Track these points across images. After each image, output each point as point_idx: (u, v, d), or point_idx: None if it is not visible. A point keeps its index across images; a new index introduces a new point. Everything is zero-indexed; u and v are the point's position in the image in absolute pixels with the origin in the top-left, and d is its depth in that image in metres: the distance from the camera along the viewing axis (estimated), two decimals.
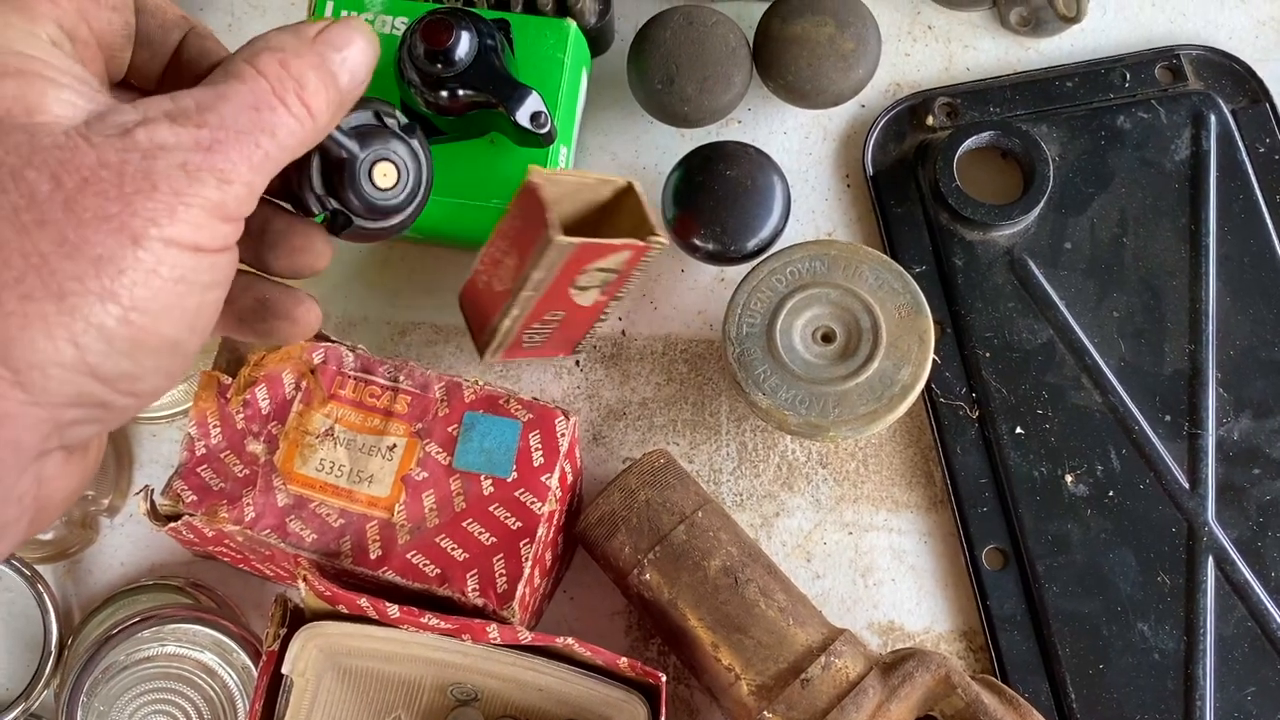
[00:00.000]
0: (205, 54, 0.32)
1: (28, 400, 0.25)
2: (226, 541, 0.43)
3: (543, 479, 0.43)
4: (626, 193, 0.42)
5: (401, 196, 0.33)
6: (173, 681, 0.45)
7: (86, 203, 0.25)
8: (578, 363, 0.51)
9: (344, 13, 0.48)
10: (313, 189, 0.32)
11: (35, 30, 0.27)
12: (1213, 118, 0.51)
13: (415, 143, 0.33)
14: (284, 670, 0.40)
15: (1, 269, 0.24)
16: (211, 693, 0.45)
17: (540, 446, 0.44)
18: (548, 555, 0.44)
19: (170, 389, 0.29)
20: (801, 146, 0.53)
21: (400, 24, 0.48)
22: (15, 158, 0.25)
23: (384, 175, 0.32)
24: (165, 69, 0.32)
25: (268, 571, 0.47)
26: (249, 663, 0.45)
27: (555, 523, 0.44)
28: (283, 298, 0.34)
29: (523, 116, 0.43)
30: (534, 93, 0.44)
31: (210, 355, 0.44)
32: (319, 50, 0.29)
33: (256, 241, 0.33)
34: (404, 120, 0.34)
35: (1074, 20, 0.52)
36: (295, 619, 0.42)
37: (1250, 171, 0.51)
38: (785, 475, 0.49)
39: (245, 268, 0.33)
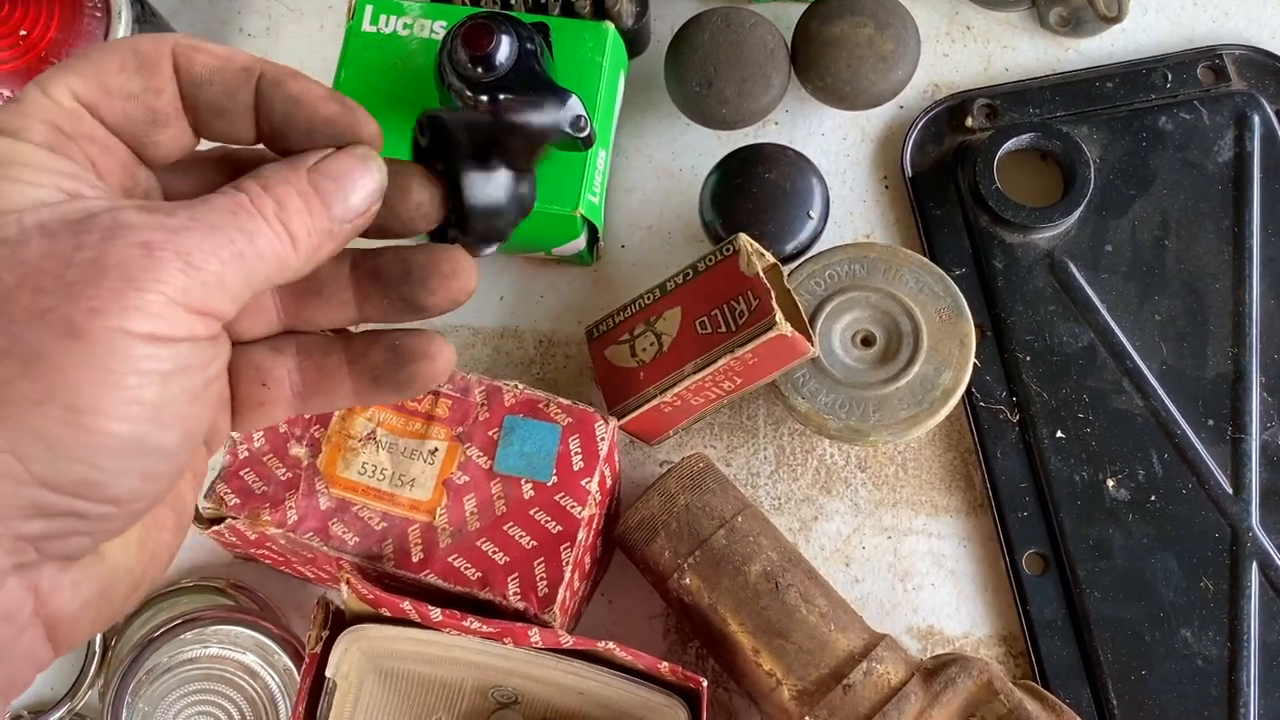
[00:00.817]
0: (295, 99, 0.29)
1: None
2: (269, 544, 0.44)
3: (583, 483, 0.43)
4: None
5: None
6: (215, 683, 0.45)
7: (22, 299, 0.23)
8: (632, 441, 0.51)
9: (385, 20, 0.48)
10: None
11: (17, 131, 0.26)
12: (1256, 118, 0.51)
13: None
14: (328, 673, 0.40)
15: None
16: (253, 694, 0.45)
17: (580, 450, 0.44)
18: (587, 559, 0.44)
19: (159, 490, 0.26)
20: (839, 148, 0.53)
21: (439, 27, 0.48)
22: None
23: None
24: (267, 130, 0.30)
25: (309, 574, 0.47)
26: (290, 664, 0.45)
27: (595, 526, 0.44)
28: (415, 340, 0.31)
29: (564, 121, 0.43)
30: (574, 96, 0.43)
31: None
32: (311, 178, 0.28)
33: (402, 284, 0.31)
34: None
35: (1115, 20, 0.52)
36: (337, 621, 0.42)
37: None
38: (823, 479, 0.49)
39: (369, 326, 0.32)
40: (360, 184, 0.28)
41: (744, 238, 0.44)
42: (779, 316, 0.42)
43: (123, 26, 0.46)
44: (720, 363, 0.43)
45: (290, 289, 0.31)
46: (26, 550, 0.24)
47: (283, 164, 0.28)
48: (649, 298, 0.46)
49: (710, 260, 0.45)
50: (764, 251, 0.44)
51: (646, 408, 0.45)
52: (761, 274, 0.43)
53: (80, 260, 0.24)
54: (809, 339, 0.44)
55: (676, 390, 0.44)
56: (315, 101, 0.29)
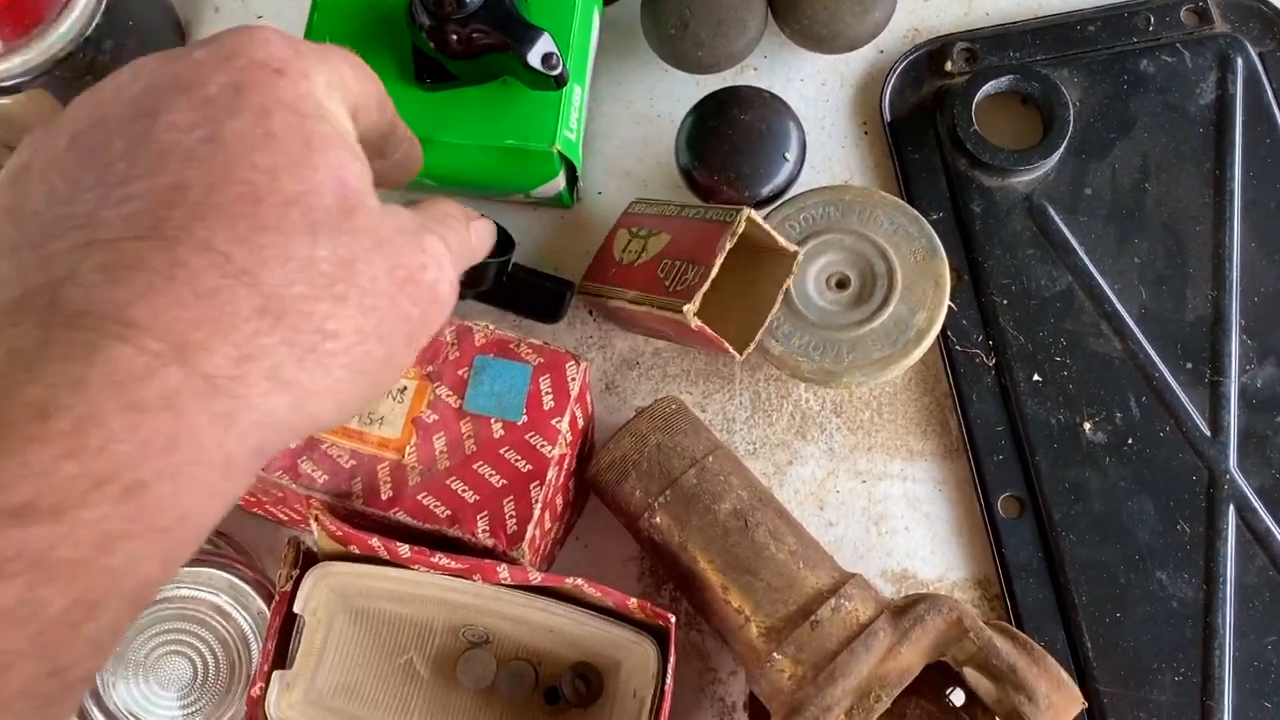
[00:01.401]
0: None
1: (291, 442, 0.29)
2: None
3: (553, 422, 0.43)
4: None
5: None
6: (187, 623, 0.45)
7: (402, 302, 0.30)
8: (590, 311, 0.51)
9: None
10: None
11: (341, 105, 0.30)
12: (1239, 61, 0.50)
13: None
14: (296, 608, 0.40)
15: (339, 336, 0.28)
16: (225, 634, 0.45)
17: (551, 390, 0.43)
18: (558, 499, 0.44)
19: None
20: (818, 93, 0.53)
21: None
22: (370, 242, 0.29)
23: None
24: None
25: (280, 515, 0.47)
26: (264, 607, 0.45)
27: (566, 467, 0.44)
28: None
29: (534, 58, 0.43)
30: (545, 34, 0.43)
31: None
32: (473, 220, 0.36)
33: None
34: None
35: None
36: (308, 561, 0.42)
37: (1277, 115, 0.49)
38: (799, 424, 0.49)
39: None
40: (486, 241, 0.37)
41: (749, 216, 0.42)
42: (689, 306, 0.41)
43: None
44: (643, 308, 0.44)
45: None
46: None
47: (456, 203, 0.35)
48: (671, 210, 0.47)
49: (712, 215, 0.44)
50: (773, 236, 0.43)
51: (599, 298, 0.47)
52: (718, 258, 0.41)
53: (425, 281, 0.30)
54: (742, 343, 0.43)
55: (618, 302, 0.45)
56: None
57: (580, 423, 0.45)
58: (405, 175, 0.37)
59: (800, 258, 0.44)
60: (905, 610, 0.41)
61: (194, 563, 0.45)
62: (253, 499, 0.46)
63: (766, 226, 0.42)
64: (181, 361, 0.25)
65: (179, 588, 0.45)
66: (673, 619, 0.40)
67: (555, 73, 0.44)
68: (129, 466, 0.24)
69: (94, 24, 0.47)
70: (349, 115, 0.31)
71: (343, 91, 0.30)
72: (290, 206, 0.27)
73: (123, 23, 0.48)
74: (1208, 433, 0.46)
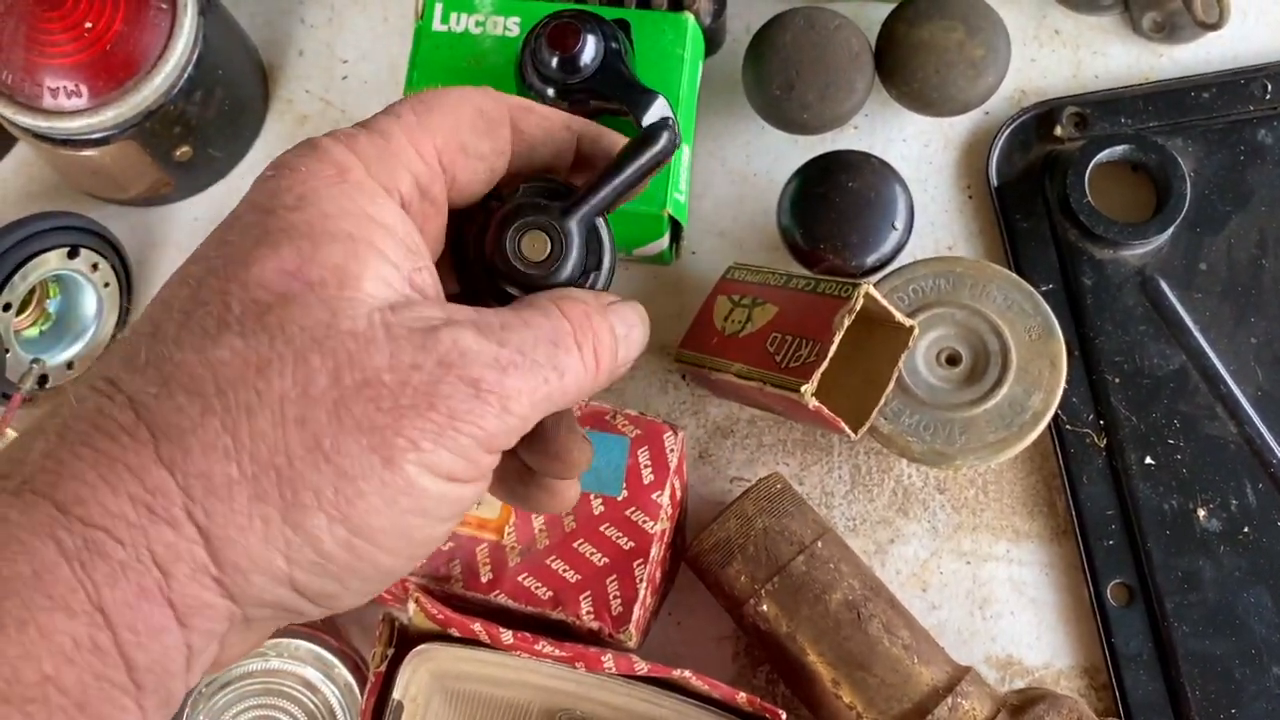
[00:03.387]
0: (608, 151, 0.30)
1: (228, 598, 0.24)
2: None
3: (654, 496, 0.41)
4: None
5: (561, 274, 0.28)
6: (274, 696, 0.44)
7: (356, 408, 0.24)
8: (683, 376, 0.49)
9: (456, 18, 0.46)
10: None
11: (390, 186, 0.26)
12: None
13: (596, 224, 0.29)
14: (395, 695, 0.39)
15: (244, 460, 0.23)
16: (313, 708, 0.44)
17: (650, 463, 0.42)
18: (659, 574, 0.43)
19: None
20: (921, 155, 0.51)
21: (513, 24, 0.46)
22: (306, 339, 0.24)
23: (532, 246, 0.28)
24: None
25: None
26: (350, 679, 0.44)
27: (666, 541, 0.43)
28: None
29: (650, 121, 0.42)
30: (660, 97, 0.42)
31: None
32: (611, 318, 0.28)
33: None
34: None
35: (1214, 27, 0.50)
36: (401, 639, 0.41)
37: None
38: (901, 501, 0.47)
39: None
40: (639, 340, 0.29)
41: (868, 291, 0.40)
42: (807, 387, 0.39)
43: (188, 20, 0.45)
44: (753, 383, 0.42)
45: None
46: (238, 626, 0.24)
47: (589, 294, 0.28)
48: (776, 279, 0.45)
49: (825, 289, 0.42)
50: (890, 311, 0.40)
51: (699, 368, 0.45)
52: (836, 335, 0.40)
53: (415, 383, 0.24)
54: (857, 422, 0.41)
55: (725, 375, 0.43)
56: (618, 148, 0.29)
57: (679, 494, 0.44)
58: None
59: (916, 332, 0.42)
60: (1023, 709, 0.40)
61: (279, 633, 0.44)
62: None
63: (885, 302, 0.41)
64: (20, 490, 0.22)
65: (266, 660, 0.44)
66: (783, 716, 0.39)
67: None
68: None
69: (186, 76, 0.46)
70: (406, 184, 0.26)
71: (391, 176, 0.26)
72: (197, 309, 0.24)
73: (212, 71, 0.47)
74: None
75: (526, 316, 0.26)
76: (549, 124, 0.29)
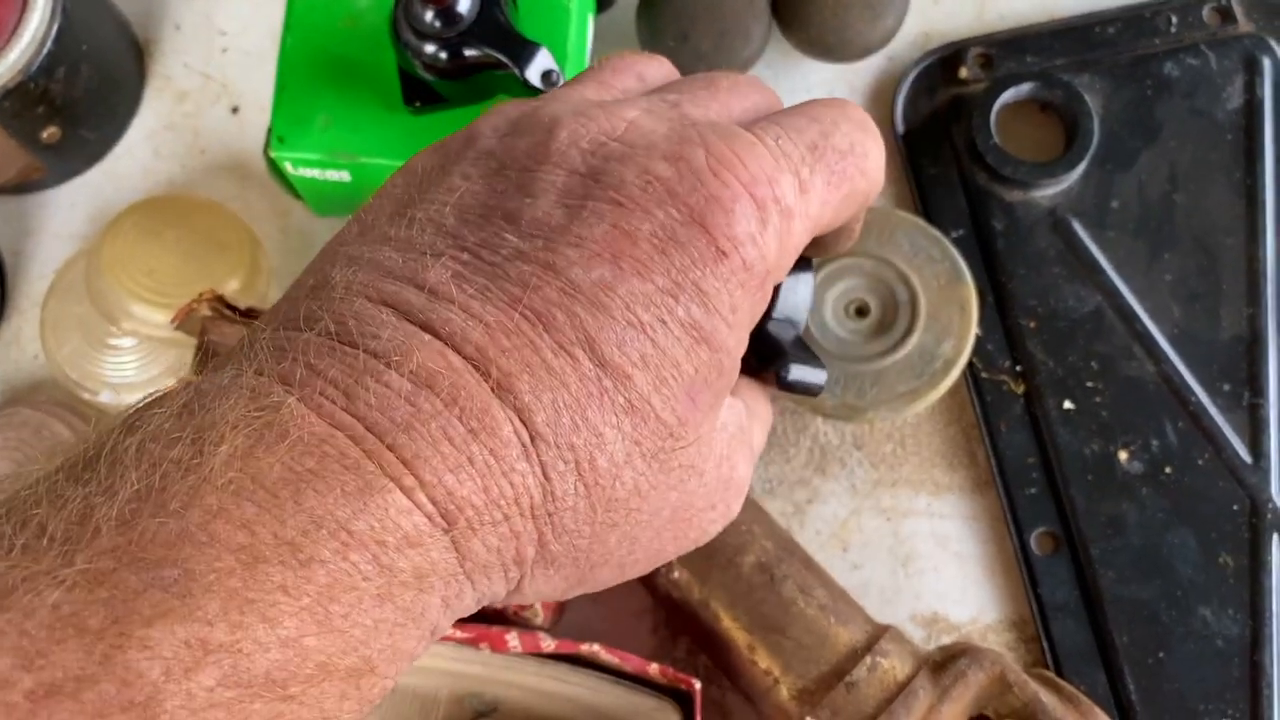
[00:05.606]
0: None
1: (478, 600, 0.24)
2: None
3: None
4: None
5: None
6: None
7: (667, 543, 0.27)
8: None
9: None
10: None
11: None
12: (1266, 62, 0.48)
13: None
14: None
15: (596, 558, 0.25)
16: None
17: None
18: None
19: None
20: None
21: None
22: (678, 480, 0.25)
23: None
24: None
25: None
26: None
27: None
28: None
29: (534, 76, 0.40)
30: (543, 49, 0.40)
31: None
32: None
33: None
34: None
35: None
36: None
37: None
38: (818, 460, 0.46)
39: None
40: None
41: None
42: None
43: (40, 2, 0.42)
44: None
45: None
46: None
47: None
48: None
49: None
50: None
51: None
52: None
53: (707, 518, 0.27)
54: None
55: None
56: None
57: None
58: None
59: None
60: (945, 665, 0.39)
61: None
62: None
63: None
64: (446, 530, 0.21)
65: None
66: (697, 684, 0.38)
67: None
68: (362, 644, 0.20)
69: (45, 52, 0.43)
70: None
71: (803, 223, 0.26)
72: (634, 416, 0.23)
73: (75, 47, 0.45)
74: (1248, 459, 0.44)
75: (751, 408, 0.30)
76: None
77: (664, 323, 0.23)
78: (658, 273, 0.23)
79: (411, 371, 0.21)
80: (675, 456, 0.24)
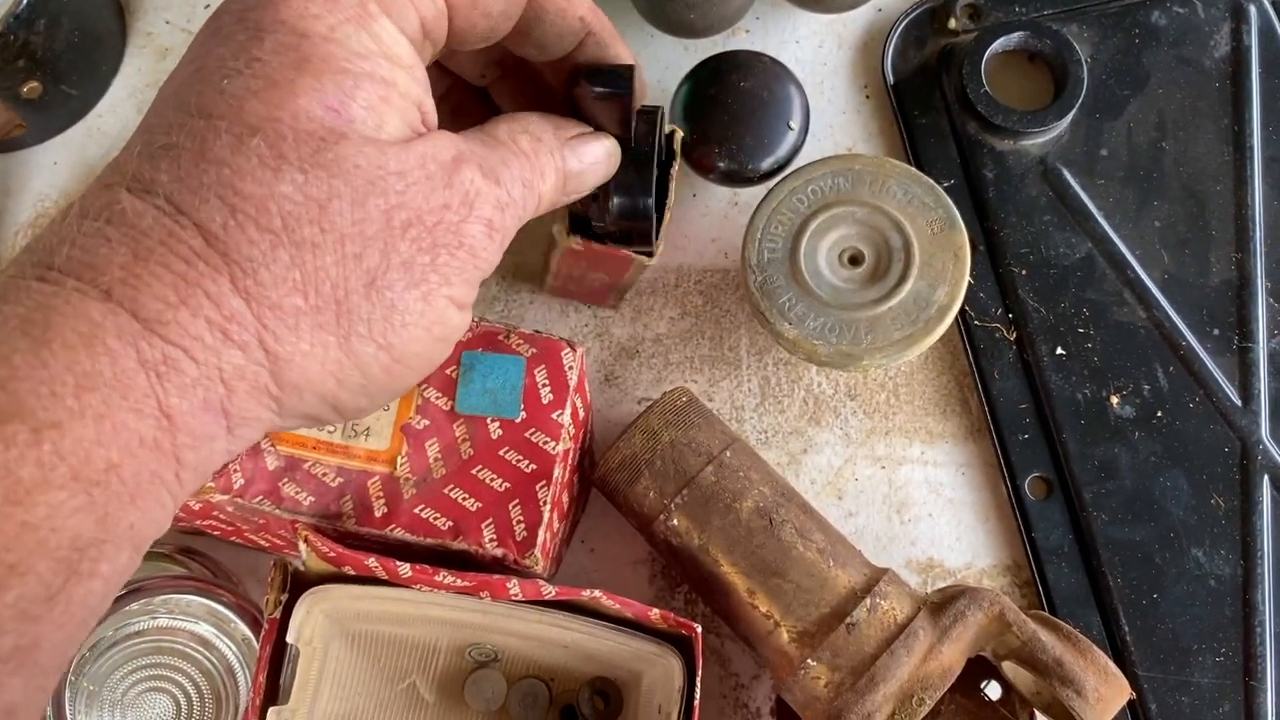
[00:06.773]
0: (600, 60, 0.33)
1: (276, 413, 0.27)
2: (215, 514, 0.40)
3: (554, 416, 0.39)
4: None
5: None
6: (166, 655, 0.41)
7: (402, 247, 0.26)
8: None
9: None
10: None
11: (404, 26, 0.27)
12: (1253, 10, 0.48)
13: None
14: (288, 639, 0.37)
15: (310, 292, 0.25)
16: (209, 666, 0.42)
17: (548, 382, 0.40)
18: (565, 498, 0.41)
19: None
20: (815, 56, 0.49)
21: None
22: (361, 179, 0.26)
23: None
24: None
25: (262, 542, 0.43)
26: (248, 633, 0.42)
27: (571, 463, 0.41)
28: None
29: None
30: None
31: None
32: (565, 154, 0.32)
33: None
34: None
35: None
36: (297, 584, 0.38)
37: None
38: (812, 410, 0.46)
39: None
40: (598, 173, 0.33)
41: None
42: (558, 226, 0.39)
43: None
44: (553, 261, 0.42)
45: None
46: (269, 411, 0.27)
47: (549, 126, 0.31)
48: None
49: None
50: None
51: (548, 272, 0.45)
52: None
53: (447, 223, 0.27)
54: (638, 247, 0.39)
55: (556, 254, 0.42)
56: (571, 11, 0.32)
57: (581, 414, 0.42)
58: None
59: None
60: (944, 606, 0.39)
61: (169, 589, 0.41)
62: (230, 528, 0.42)
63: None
64: (104, 298, 0.24)
65: (155, 618, 0.41)
66: (698, 629, 0.38)
67: None
68: (37, 405, 0.22)
69: (24, 2, 0.42)
70: (414, 25, 0.28)
71: (403, 14, 0.27)
72: (250, 136, 0.25)
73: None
74: (1238, 402, 0.45)
75: (504, 155, 0.29)
76: (568, 7, 0.31)
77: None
78: None
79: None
80: (331, 164, 0.26)
